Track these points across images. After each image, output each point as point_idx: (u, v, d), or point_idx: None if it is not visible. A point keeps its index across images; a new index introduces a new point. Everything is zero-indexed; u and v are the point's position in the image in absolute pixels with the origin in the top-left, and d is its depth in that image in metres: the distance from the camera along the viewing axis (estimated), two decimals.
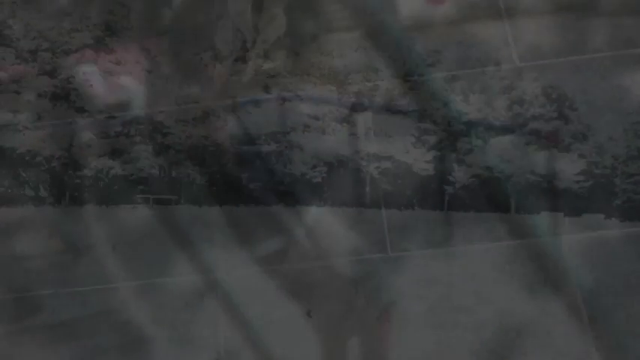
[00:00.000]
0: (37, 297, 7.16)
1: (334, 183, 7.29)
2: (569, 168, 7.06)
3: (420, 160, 7.23)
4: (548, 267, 6.67)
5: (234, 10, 7.98)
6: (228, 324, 6.78)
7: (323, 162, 7.37)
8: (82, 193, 7.74)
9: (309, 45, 7.70)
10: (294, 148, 7.52)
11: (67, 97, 8.19)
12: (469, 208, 7.10)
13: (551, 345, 6.31)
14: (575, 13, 7.40)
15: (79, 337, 6.90)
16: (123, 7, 8.22)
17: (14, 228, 7.64)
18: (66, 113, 8.18)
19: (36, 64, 8.28)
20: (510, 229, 6.93)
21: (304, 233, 7.06)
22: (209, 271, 7.12)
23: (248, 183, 7.48)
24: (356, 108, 7.52)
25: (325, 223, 7.05)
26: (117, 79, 8.00)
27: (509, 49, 7.36)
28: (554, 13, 7.43)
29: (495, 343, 6.26)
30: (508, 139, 7.25)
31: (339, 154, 7.39)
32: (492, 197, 7.08)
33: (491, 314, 6.43)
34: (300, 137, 7.52)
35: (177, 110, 7.77)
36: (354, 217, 7.16)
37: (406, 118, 7.25)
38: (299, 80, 7.67)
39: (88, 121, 8.12)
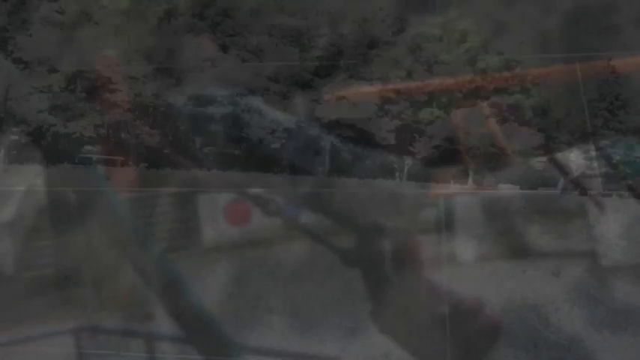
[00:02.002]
0: None
1: (293, 150, 7.06)
2: (529, 142, 7.08)
3: (382, 129, 7.09)
4: None
5: None
6: None
7: (282, 127, 7.11)
8: (21, 151, 7.21)
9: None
10: (252, 111, 7.22)
11: (3, 46, 7.59)
12: (427, 179, 7.04)
13: None
14: None
15: None
16: None
17: None
18: (1, 64, 7.58)
19: None
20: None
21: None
22: None
23: (202, 147, 7.14)
24: (319, 73, 7.28)
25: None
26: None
27: None
28: None
29: None
30: (469, 110, 7.20)
31: (299, 120, 7.15)
32: (451, 168, 7.04)
33: None
34: (258, 101, 7.23)
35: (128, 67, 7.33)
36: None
37: (371, 85, 7.08)
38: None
39: (27, 73, 7.56)
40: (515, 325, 5.43)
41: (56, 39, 7.58)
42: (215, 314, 5.60)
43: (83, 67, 7.44)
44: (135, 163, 6.99)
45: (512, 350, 5.08)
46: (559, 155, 7.03)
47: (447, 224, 6.59)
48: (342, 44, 7.32)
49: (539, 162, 7.01)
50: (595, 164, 6.26)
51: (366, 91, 7.23)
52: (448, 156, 7.01)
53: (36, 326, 5.53)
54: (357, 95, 7.24)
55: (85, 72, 7.48)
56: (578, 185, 6.56)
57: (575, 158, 6.44)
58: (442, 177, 6.98)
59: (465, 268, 6.16)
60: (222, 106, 7.27)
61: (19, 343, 5.35)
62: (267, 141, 7.01)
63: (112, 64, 7.46)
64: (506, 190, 6.93)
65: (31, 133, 7.17)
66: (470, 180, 7.02)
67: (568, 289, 5.50)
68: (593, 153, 6.19)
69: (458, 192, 6.89)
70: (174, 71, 7.39)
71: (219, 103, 7.29)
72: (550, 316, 5.36)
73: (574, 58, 7.13)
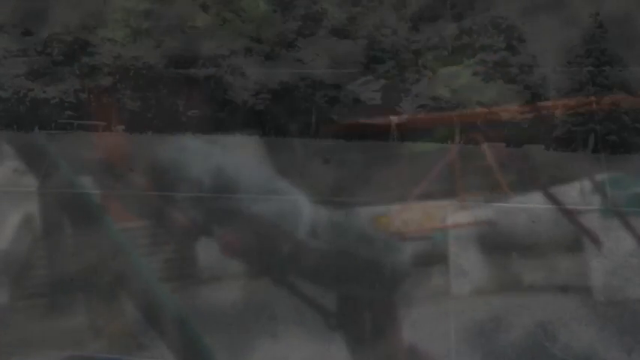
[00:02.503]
0: None
1: (279, 112, 6.96)
2: (515, 99, 7.06)
3: (368, 89, 7.01)
4: None
5: None
6: None
7: (267, 89, 7.00)
8: None
9: None
10: (235, 72, 7.09)
11: None
12: (415, 138, 7.00)
13: None
14: None
15: None
16: None
17: None
18: None
19: None
20: None
21: None
22: None
23: (185, 110, 7.02)
24: (302, 32, 7.14)
25: None
26: None
27: None
28: None
29: None
30: (456, 69, 7.14)
31: (283, 81, 7.03)
32: (437, 127, 7.00)
33: None
34: (242, 61, 7.09)
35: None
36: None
37: (356, 44, 6.97)
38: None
39: None
40: None
41: (30, 0, 7.34)
42: None
43: (59, 29, 7.23)
44: (117, 128, 6.85)
45: None
46: (544, 112, 7.02)
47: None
48: (325, 2, 7.18)
49: (525, 119, 7.00)
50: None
51: (352, 50, 7.13)
52: (434, 114, 6.97)
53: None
54: (342, 55, 7.14)
55: (61, 34, 7.27)
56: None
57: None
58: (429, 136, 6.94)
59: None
60: (205, 68, 7.13)
61: None
62: (252, 103, 6.90)
63: (88, 27, 7.26)
64: (492, 147, 6.92)
65: (7, 98, 6.98)
66: (456, 138, 7.00)
67: None
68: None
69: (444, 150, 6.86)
70: (154, 33, 7.21)
71: (202, 65, 7.15)
72: None
73: (560, 15, 7.08)
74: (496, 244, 5.97)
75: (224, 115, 6.92)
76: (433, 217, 6.24)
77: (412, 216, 6.18)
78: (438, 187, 6.43)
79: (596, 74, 7.00)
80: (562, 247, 5.80)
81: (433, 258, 5.86)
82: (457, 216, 6.28)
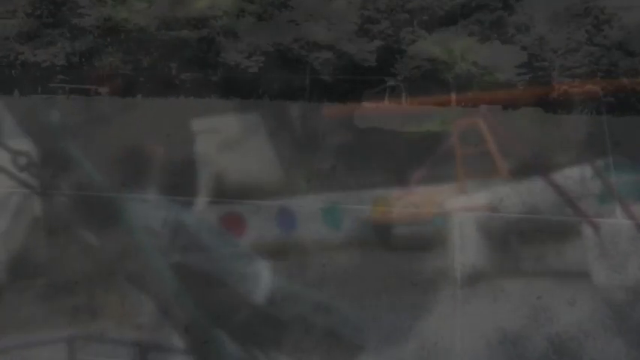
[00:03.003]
0: None
1: (272, 74, 6.88)
2: (512, 60, 6.97)
3: (362, 50, 6.91)
4: None
5: None
6: None
7: (260, 51, 6.90)
8: None
9: None
10: (227, 34, 6.98)
11: None
12: (408, 99, 6.93)
13: None
14: None
15: None
16: None
17: None
18: None
19: None
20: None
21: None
22: None
23: (178, 73, 6.94)
24: None
25: None
26: None
27: None
28: None
29: None
30: (452, 29, 7.02)
31: (276, 42, 6.93)
32: (433, 89, 6.93)
33: None
34: (234, 22, 6.97)
35: None
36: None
37: (350, 4, 6.84)
38: None
39: None
40: None
41: None
42: None
43: None
44: (110, 92, 6.79)
45: None
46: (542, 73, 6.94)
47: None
48: None
49: (521, 81, 6.93)
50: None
51: (346, 10, 7.00)
52: (430, 76, 6.90)
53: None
54: (336, 14, 7.02)
55: None
56: None
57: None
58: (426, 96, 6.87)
59: None
60: (197, 30, 7.02)
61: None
62: (245, 65, 6.82)
63: None
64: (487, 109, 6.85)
65: None
66: (453, 97, 6.95)
67: None
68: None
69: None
70: None
71: (193, 27, 7.03)
72: None
73: None
74: (496, 228, 5.96)
75: (217, 79, 6.84)
76: (433, 201, 6.21)
77: (412, 201, 6.16)
78: (438, 171, 6.40)
79: (594, 34, 6.90)
80: (561, 231, 5.79)
81: (433, 242, 5.85)
82: (457, 200, 6.25)
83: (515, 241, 5.54)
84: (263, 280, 4.75)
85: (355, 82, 6.86)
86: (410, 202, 5.95)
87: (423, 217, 5.98)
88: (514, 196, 5.72)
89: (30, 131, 6.36)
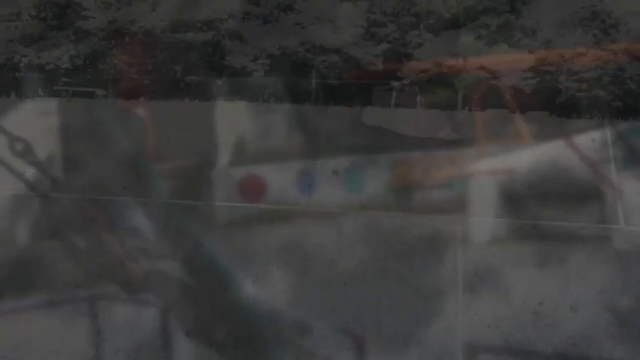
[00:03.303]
0: None
1: (278, 77, 6.84)
2: (518, 65, 6.93)
3: (369, 53, 6.88)
4: None
5: None
6: None
7: (265, 54, 6.87)
8: None
9: None
10: (233, 37, 6.95)
11: None
12: (417, 105, 6.89)
13: None
14: None
15: None
16: None
17: None
18: None
19: None
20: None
21: None
22: None
23: (183, 76, 6.90)
24: None
25: None
26: None
27: None
28: None
29: None
30: (458, 32, 7.00)
31: (282, 46, 6.90)
32: (440, 93, 6.89)
33: None
34: (240, 25, 6.94)
35: None
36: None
37: (356, 7, 6.81)
38: None
39: None
40: None
41: None
42: None
43: None
44: (114, 95, 6.75)
45: None
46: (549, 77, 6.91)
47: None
48: None
49: (527, 85, 6.90)
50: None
51: (352, 12, 6.97)
52: (436, 79, 6.86)
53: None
54: (343, 17, 6.99)
55: None
56: None
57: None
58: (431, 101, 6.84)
59: None
60: (202, 32, 6.99)
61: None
62: (250, 68, 6.78)
63: None
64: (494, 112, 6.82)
65: (1, 64, 6.86)
66: (459, 104, 6.91)
67: None
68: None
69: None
70: None
71: (199, 29, 7.00)
72: None
73: None
74: (516, 192, 5.94)
75: (222, 82, 6.80)
76: (453, 164, 6.20)
77: (432, 164, 6.15)
78: (458, 134, 6.39)
79: (602, 37, 6.87)
80: (582, 195, 5.78)
81: (452, 206, 5.84)
82: (477, 164, 6.23)
83: (535, 205, 5.54)
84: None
85: (361, 85, 6.83)
86: (430, 165, 5.95)
87: (443, 180, 5.98)
88: (535, 160, 5.71)
89: (32, 134, 6.34)
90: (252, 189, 5.89)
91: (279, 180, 5.88)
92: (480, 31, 6.95)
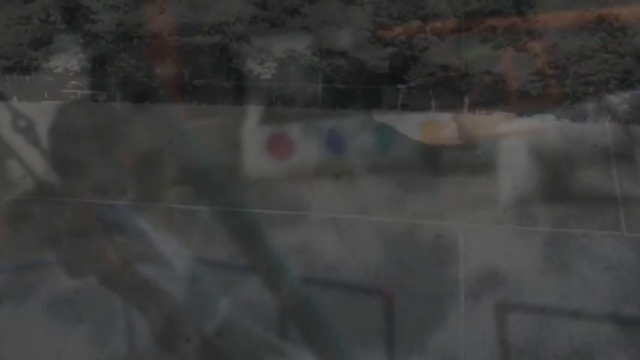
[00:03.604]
0: None
1: (285, 81, 6.88)
2: (525, 67, 6.95)
3: (375, 57, 6.91)
4: None
5: None
6: None
7: (273, 57, 6.90)
8: (4, 87, 6.98)
9: None
10: (240, 40, 6.98)
11: None
12: (423, 108, 6.91)
13: None
14: None
15: None
16: None
17: None
18: None
19: None
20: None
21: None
22: None
23: (191, 79, 6.94)
24: None
25: None
26: None
27: None
28: None
29: None
30: (464, 35, 7.01)
31: (289, 49, 6.93)
32: (446, 96, 6.91)
33: None
34: (247, 29, 6.97)
35: None
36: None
37: (362, 11, 6.83)
38: None
39: (1, 3, 7.21)
40: None
41: None
42: None
43: None
44: (121, 98, 6.80)
45: None
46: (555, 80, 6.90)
47: None
48: None
49: (535, 88, 6.90)
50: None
51: (359, 16, 7.00)
52: (443, 83, 6.88)
53: None
54: (349, 21, 7.01)
55: (61, 0, 7.16)
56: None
57: None
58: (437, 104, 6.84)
59: None
60: (210, 36, 7.03)
61: None
62: (258, 72, 6.82)
63: None
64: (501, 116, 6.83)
65: (11, 67, 6.92)
66: (465, 106, 6.92)
67: None
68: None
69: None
70: None
71: (206, 33, 7.04)
72: None
73: None
74: (546, 153, 5.94)
75: (229, 85, 6.84)
76: (483, 125, 6.21)
77: (462, 124, 6.17)
78: (488, 95, 6.41)
79: (608, 41, 6.87)
80: (612, 157, 5.78)
81: (482, 166, 5.84)
82: (507, 125, 6.23)
83: (565, 167, 5.54)
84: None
85: (368, 89, 6.86)
86: (459, 125, 5.95)
87: (472, 141, 5.98)
88: (566, 121, 5.67)
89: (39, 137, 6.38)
90: None
91: None
92: (486, 34, 6.97)
